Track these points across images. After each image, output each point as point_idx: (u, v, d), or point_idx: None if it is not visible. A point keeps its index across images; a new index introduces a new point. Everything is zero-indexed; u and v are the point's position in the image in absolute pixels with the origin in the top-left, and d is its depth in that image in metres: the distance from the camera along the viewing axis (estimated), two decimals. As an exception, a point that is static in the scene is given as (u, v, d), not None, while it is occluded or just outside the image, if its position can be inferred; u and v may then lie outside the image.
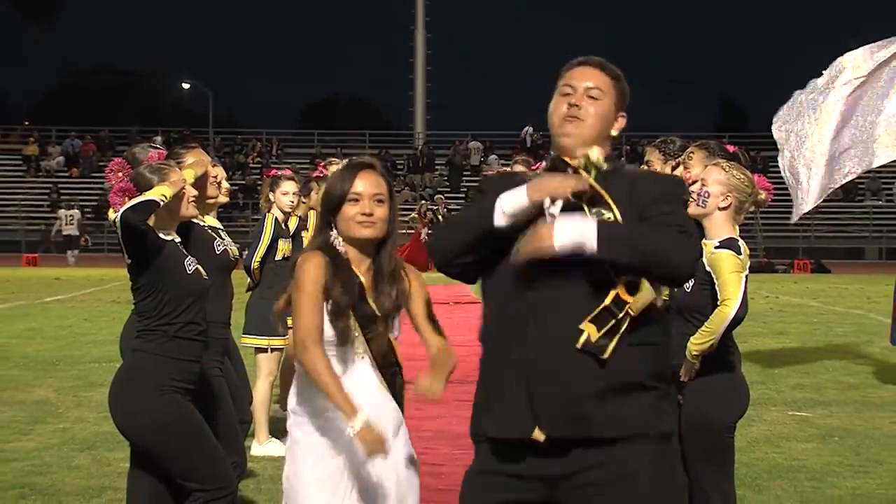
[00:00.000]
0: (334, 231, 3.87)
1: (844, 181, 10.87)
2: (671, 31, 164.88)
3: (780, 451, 8.01)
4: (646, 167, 5.55)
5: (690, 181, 5.15)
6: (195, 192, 5.08)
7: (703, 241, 4.82)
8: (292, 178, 8.48)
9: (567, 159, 3.34)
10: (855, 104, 10.68)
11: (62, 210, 39.22)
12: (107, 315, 17.95)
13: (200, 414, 4.82)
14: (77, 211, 38.98)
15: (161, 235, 4.78)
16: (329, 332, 3.78)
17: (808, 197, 10.62)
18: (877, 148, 10.56)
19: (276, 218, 8.24)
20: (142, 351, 4.75)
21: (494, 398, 3.36)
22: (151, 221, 4.72)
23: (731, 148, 5.44)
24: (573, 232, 3.13)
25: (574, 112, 3.35)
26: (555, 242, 3.13)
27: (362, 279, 3.86)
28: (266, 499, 6.61)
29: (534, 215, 3.23)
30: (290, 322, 8.49)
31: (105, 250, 39.70)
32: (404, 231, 33.42)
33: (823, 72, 10.89)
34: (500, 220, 3.25)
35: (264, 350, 8.18)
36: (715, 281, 4.72)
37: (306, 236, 8.26)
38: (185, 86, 66.17)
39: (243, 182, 45.74)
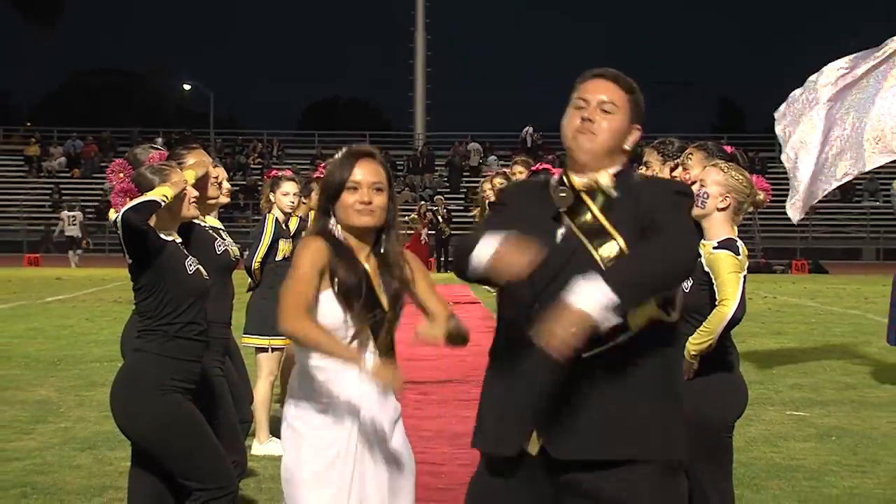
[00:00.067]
0: (333, 219, 3.87)
1: (841, 183, 10.90)
2: (671, 31, 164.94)
3: (777, 450, 8.03)
4: (644, 168, 5.56)
5: (689, 182, 5.19)
6: (196, 193, 5.09)
7: (702, 241, 4.84)
8: (293, 179, 8.50)
9: (574, 179, 3.31)
10: (839, 107, 10.71)
11: (65, 211, 39.30)
12: (108, 315, 17.98)
13: (201, 413, 4.83)
14: (79, 213, 39.07)
15: (162, 236, 4.79)
16: (336, 321, 3.76)
17: (805, 197, 10.66)
18: (866, 152, 10.60)
19: (277, 218, 8.26)
20: (143, 351, 4.76)
21: (495, 415, 3.34)
22: (152, 222, 4.74)
23: (729, 149, 5.47)
24: (593, 301, 3.01)
25: (587, 126, 3.34)
26: (584, 315, 3.00)
27: (365, 266, 3.85)
28: (267, 498, 6.63)
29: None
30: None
31: (106, 250, 39.78)
32: (404, 232, 33.37)
33: (817, 73, 10.94)
34: (474, 272, 3.26)
35: (265, 350, 8.21)
36: (713, 281, 4.74)
37: (307, 237, 8.27)
38: (187, 87, 66.27)
39: (244, 183, 45.78)
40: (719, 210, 4.90)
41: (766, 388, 10.73)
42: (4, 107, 78.06)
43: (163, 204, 4.72)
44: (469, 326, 3.84)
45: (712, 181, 4.93)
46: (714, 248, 4.79)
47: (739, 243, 4.85)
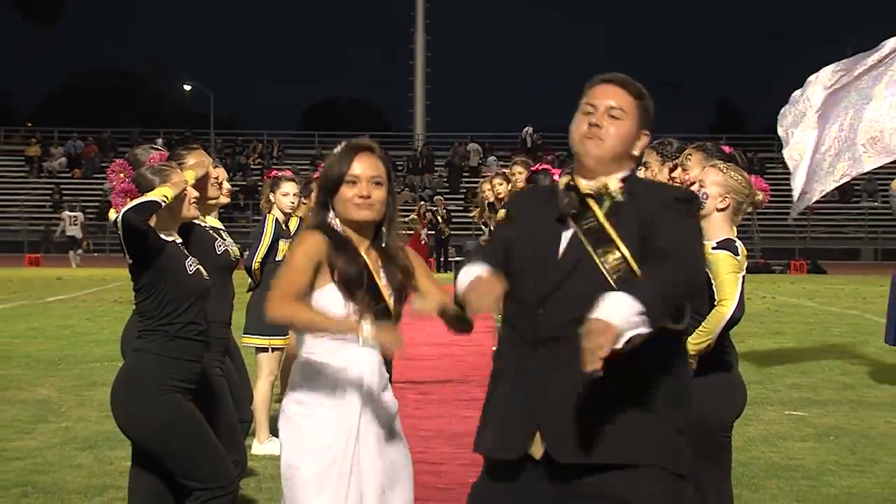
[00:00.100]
0: (332, 212, 3.85)
1: (839, 184, 10.91)
2: (670, 31, 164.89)
3: (776, 450, 8.05)
4: (643, 169, 5.58)
5: (688, 182, 5.21)
6: (196, 193, 5.11)
7: (701, 242, 4.86)
8: (293, 180, 8.52)
9: (580, 184, 3.32)
10: (836, 108, 10.73)
11: (66, 211, 39.36)
12: (109, 315, 17.99)
13: (201, 413, 4.84)
14: (80, 213, 39.12)
15: (162, 236, 4.80)
16: (334, 310, 3.74)
17: (800, 196, 10.68)
18: (863, 154, 10.62)
19: (277, 219, 8.28)
20: (143, 351, 4.78)
21: (498, 419, 3.35)
22: (153, 222, 4.76)
23: (727, 149, 5.49)
24: (621, 315, 3.01)
25: (595, 131, 3.33)
26: (617, 335, 3.00)
27: (365, 258, 3.85)
28: (267, 497, 6.65)
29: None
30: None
31: (107, 251, 39.83)
32: (403, 232, 33.38)
33: (816, 74, 10.96)
34: (456, 294, 3.37)
35: (265, 350, 8.23)
36: (712, 281, 4.76)
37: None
38: (187, 87, 66.29)
39: (244, 183, 45.80)
40: (718, 210, 4.91)
41: (764, 388, 10.74)
42: (5, 107, 78.09)
43: (163, 204, 4.74)
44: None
45: (711, 182, 4.95)
46: (713, 248, 4.80)
47: (738, 244, 4.86)
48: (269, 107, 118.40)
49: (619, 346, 2.99)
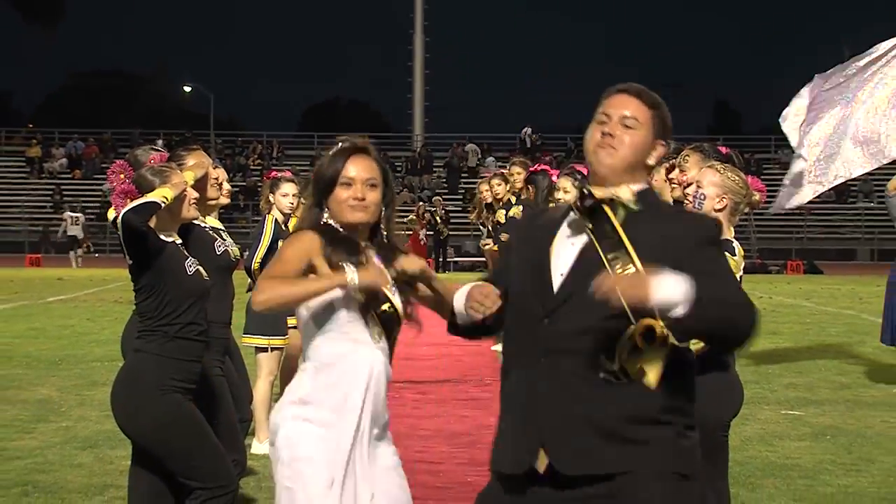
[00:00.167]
0: (326, 213, 3.81)
1: (833, 185, 10.94)
2: (670, 32, 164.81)
3: (773, 449, 8.07)
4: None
5: (686, 183, 5.24)
6: (196, 194, 5.13)
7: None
8: (292, 180, 8.54)
9: (594, 190, 3.30)
10: (830, 110, 10.76)
11: (68, 212, 39.43)
12: (109, 315, 18.00)
13: (201, 413, 4.86)
14: (80, 214, 39.18)
15: (162, 237, 4.83)
16: (344, 311, 3.70)
17: (787, 195, 10.71)
18: (859, 157, 10.65)
19: (277, 219, 8.31)
20: (143, 351, 4.80)
21: (505, 433, 3.34)
22: (153, 223, 4.79)
23: (724, 150, 5.53)
24: (671, 291, 3.02)
25: (608, 141, 3.31)
26: (651, 296, 3.02)
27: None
28: (267, 497, 6.66)
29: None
30: (290, 321, 8.56)
31: (107, 251, 39.87)
32: (402, 232, 33.41)
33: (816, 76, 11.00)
34: (461, 317, 3.45)
35: (265, 350, 8.25)
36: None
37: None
38: (187, 89, 66.30)
39: (244, 184, 45.84)
40: (716, 211, 4.93)
41: (761, 388, 10.77)
42: (6, 108, 78.08)
43: (163, 205, 4.76)
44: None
45: (709, 182, 4.97)
46: (711, 248, 4.83)
47: (736, 244, 4.89)
48: (268, 107, 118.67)
49: (655, 318, 3.02)
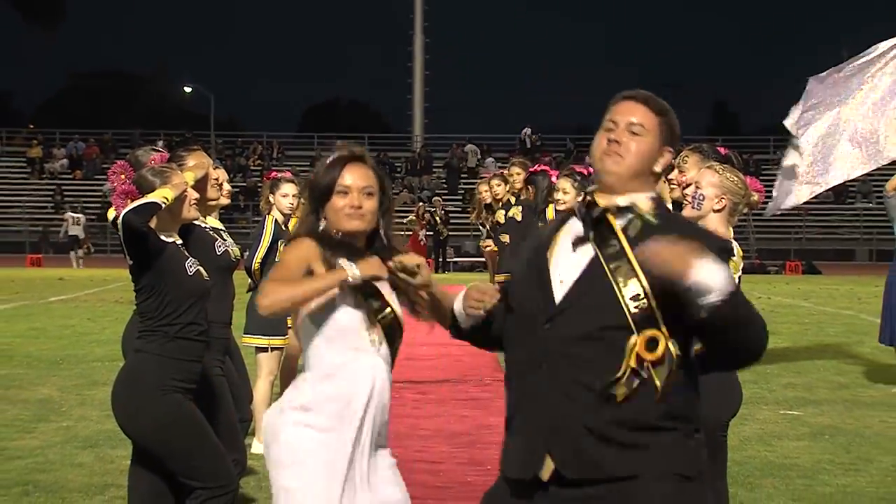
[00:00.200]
0: (323, 221, 3.82)
1: (830, 186, 10.96)
2: (669, 32, 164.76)
3: (771, 449, 8.09)
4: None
5: (685, 184, 5.26)
6: (196, 195, 5.15)
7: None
8: (292, 181, 8.56)
9: (600, 198, 3.29)
10: (827, 111, 10.78)
11: (69, 213, 39.48)
12: (110, 315, 18.02)
13: (201, 413, 4.88)
14: (81, 215, 39.22)
15: (162, 237, 4.84)
16: (344, 318, 3.72)
17: (783, 195, 10.73)
18: (857, 158, 10.66)
19: (277, 220, 8.33)
20: (143, 351, 4.82)
21: (510, 439, 3.34)
22: (153, 223, 4.80)
23: (723, 150, 5.54)
24: (711, 276, 3.01)
25: (614, 148, 3.29)
26: (691, 273, 3.01)
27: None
28: (266, 496, 6.66)
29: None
30: (290, 322, 8.56)
31: (108, 251, 39.90)
32: (402, 233, 33.47)
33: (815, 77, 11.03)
34: (460, 318, 3.46)
35: (265, 350, 8.27)
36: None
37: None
38: (187, 89, 66.33)
39: (244, 184, 45.86)
40: (715, 211, 4.95)
41: (760, 388, 10.78)
42: (7, 108, 78.03)
43: (163, 206, 4.77)
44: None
45: (708, 183, 4.99)
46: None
47: (735, 245, 4.90)
48: (268, 108, 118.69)
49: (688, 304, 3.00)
